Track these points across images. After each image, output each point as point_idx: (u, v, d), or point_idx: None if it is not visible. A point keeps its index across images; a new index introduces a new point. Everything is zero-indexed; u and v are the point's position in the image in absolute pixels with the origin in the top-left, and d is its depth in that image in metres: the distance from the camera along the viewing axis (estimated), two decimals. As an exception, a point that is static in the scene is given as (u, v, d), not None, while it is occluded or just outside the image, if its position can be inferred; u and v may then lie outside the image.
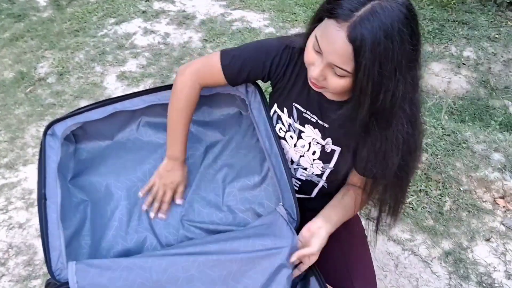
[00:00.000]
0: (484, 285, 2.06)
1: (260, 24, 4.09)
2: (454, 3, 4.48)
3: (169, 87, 1.45)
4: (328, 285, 1.29)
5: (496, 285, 2.07)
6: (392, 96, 1.04)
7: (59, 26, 4.10)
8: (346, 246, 1.52)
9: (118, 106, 1.44)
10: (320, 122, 1.33)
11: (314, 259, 1.27)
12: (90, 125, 1.44)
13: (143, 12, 4.29)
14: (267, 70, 1.35)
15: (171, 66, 3.56)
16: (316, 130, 1.34)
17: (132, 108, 1.45)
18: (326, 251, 1.50)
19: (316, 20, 1.12)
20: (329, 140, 1.33)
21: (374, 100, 1.04)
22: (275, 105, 1.44)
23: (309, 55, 1.12)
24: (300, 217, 1.38)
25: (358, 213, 1.65)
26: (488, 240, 2.26)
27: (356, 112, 1.09)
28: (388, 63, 0.99)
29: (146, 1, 4.47)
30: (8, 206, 2.46)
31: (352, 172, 1.37)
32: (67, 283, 1.23)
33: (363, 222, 1.69)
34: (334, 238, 1.52)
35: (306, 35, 1.18)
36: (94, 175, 1.48)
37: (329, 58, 1.04)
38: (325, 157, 1.36)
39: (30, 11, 4.38)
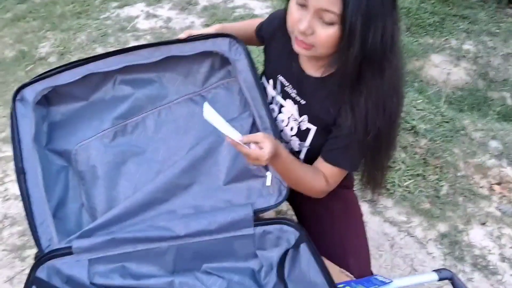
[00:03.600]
0: (479, 266, 2.08)
1: (262, 11, 4.09)
2: (455, -3, 4.50)
3: (147, 46, 1.39)
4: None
5: (491, 267, 2.08)
6: (382, 35, 1.04)
7: (61, 8, 4.09)
8: (342, 221, 1.51)
9: (91, 67, 1.36)
10: (297, 98, 1.33)
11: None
12: (62, 87, 1.36)
13: (146, -4, 4.29)
14: (260, 34, 1.47)
15: (172, 50, 3.54)
16: (296, 106, 1.34)
17: (106, 70, 1.38)
18: (320, 225, 1.51)
19: None
20: (305, 117, 1.32)
21: (364, 40, 1.03)
22: (264, 75, 1.46)
23: (293, 14, 1.12)
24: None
25: (355, 191, 1.65)
26: (483, 224, 2.28)
27: (347, 57, 1.08)
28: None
29: (149, -14, 4.47)
30: (4, 178, 2.47)
31: (318, 161, 1.32)
32: (57, 255, 1.25)
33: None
34: (329, 213, 1.53)
35: (286, 2, 1.18)
36: (71, 140, 1.43)
37: (316, 3, 1.04)
38: (301, 134, 1.36)
39: (33, -8, 4.37)
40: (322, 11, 1.04)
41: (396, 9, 1.07)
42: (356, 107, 1.15)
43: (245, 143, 1.11)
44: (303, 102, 1.31)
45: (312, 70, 1.27)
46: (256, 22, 1.55)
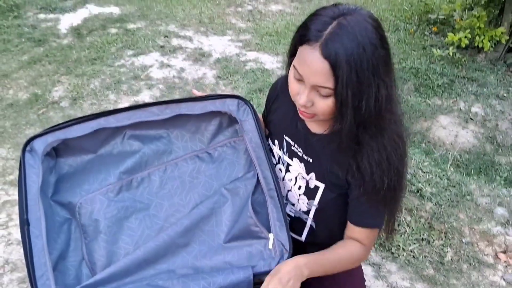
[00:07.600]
0: None
1: (273, 66, 4.17)
2: (464, 60, 4.55)
3: (158, 103, 1.41)
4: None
5: None
6: (375, 101, 1.06)
7: (77, 53, 4.20)
8: (344, 285, 1.48)
9: (102, 122, 1.37)
10: (304, 156, 1.34)
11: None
12: (72, 140, 1.37)
13: (161, 46, 4.39)
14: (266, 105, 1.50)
15: (183, 100, 3.60)
16: (302, 164, 1.35)
17: (117, 125, 1.39)
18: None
19: (291, 54, 1.16)
20: (312, 175, 1.33)
21: (357, 109, 1.06)
22: (269, 138, 1.48)
23: (292, 86, 1.15)
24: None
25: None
26: (488, 294, 2.24)
27: (342, 125, 1.10)
28: (365, 71, 1.02)
29: (165, 37, 4.58)
30: (8, 223, 2.46)
31: (348, 227, 1.32)
32: None
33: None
34: (331, 276, 1.50)
35: (286, 70, 1.23)
36: (76, 192, 1.43)
37: (311, 81, 1.07)
38: (309, 193, 1.36)
39: (51, 37, 4.49)
40: (317, 87, 1.08)
41: (390, 72, 1.10)
42: (361, 166, 1.18)
43: None
44: (310, 160, 1.33)
45: (317, 128, 1.30)
46: None
